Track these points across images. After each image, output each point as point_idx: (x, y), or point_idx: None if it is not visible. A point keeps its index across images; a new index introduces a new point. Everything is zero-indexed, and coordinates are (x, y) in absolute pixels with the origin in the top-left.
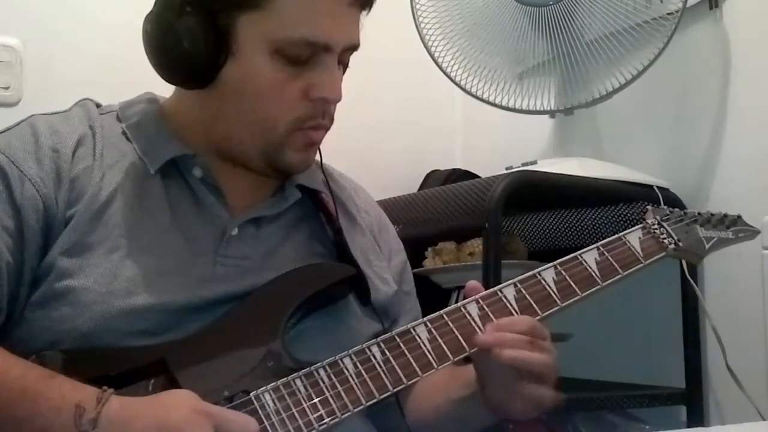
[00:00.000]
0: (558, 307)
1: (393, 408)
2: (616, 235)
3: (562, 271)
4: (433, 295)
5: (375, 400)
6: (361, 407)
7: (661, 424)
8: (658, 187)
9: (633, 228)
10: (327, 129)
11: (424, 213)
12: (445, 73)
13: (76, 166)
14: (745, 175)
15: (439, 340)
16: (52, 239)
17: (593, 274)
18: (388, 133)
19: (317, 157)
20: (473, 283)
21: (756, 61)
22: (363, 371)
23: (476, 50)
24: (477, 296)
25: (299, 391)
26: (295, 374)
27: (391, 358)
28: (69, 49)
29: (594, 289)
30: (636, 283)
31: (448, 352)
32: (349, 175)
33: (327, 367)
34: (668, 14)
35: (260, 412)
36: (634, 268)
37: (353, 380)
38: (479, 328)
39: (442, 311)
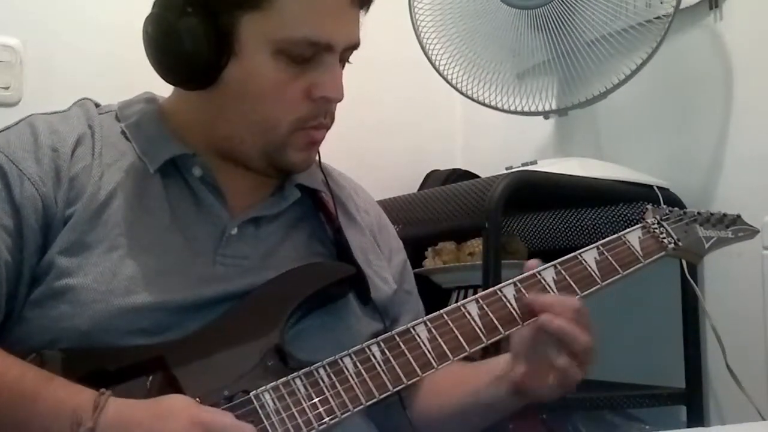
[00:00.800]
0: None
1: (395, 407)
2: (616, 235)
3: (562, 271)
4: (433, 295)
5: (375, 400)
6: (361, 407)
7: (661, 424)
8: (658, 187)
9: (633, 227)
10: (328, 128)
11: (424, 213)
12: (442, 75)
13: (75, 165)
14: (745, 174)
15: (439, 339)
16: (52, 238)
17: (593, 273)
18: (388, 133)
19: (316, 157)
20: (533, 263)
21: (755, 61)
22: (363, 371)
23: (473, 52)
24: (477, 296)
25: (299, 391)
26: (295, 374)
27: (391, 358)
28: (69, 49)
29: (594, 288)
30: (636, 282)
31: (448, 352)
32: (349, 175)
33: (327, 367)
34: (664, 15)
35: (260, 411)
36: (633, 268)
37: (353, 380)
38: (479, 327)
39: (442, 311)
